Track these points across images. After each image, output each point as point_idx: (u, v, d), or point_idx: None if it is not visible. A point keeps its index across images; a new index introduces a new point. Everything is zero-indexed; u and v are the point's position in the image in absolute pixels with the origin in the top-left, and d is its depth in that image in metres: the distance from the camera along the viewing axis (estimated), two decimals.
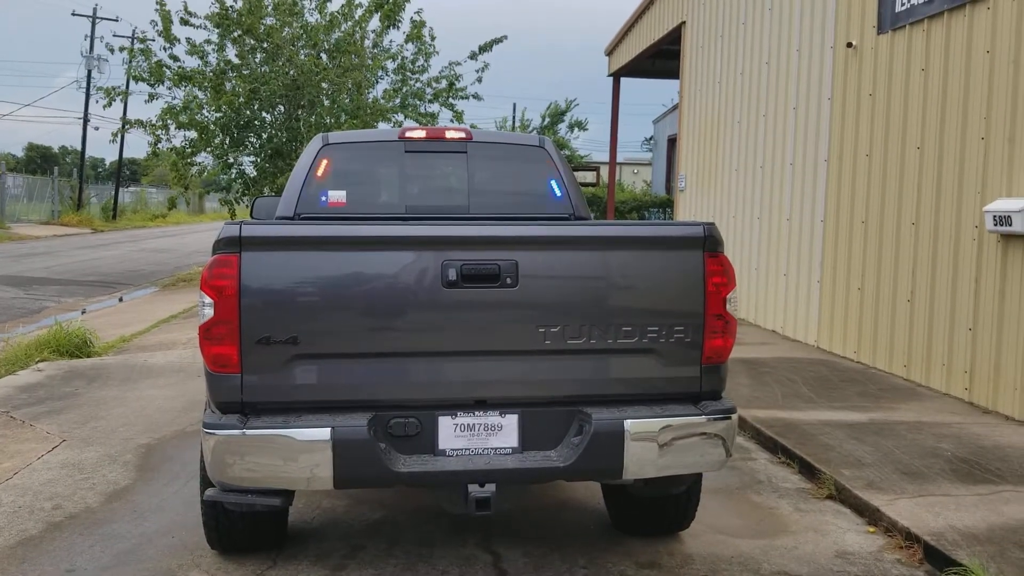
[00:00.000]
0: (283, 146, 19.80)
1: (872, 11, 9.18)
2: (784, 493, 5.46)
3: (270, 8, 18.71)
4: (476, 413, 3.59)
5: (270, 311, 3.43)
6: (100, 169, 72.77)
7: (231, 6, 18.26)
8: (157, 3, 18.38)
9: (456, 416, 3.58)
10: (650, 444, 3.54)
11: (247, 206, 22.23)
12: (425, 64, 20.56)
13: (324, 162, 5.51)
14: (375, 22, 20.17)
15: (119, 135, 22.44)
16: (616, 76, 20.09)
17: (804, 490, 5.51)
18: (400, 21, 20.32)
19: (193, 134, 18.82)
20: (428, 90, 20.57)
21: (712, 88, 14.04)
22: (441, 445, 3.57)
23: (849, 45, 9.58)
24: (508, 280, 3.51)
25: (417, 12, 20.28)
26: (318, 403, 3.51)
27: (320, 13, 19.88)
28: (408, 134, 5.68)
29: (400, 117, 20.15)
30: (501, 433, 3.60)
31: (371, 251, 3.51)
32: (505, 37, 20.54)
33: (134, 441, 6.22)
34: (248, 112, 18.88)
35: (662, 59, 18.76)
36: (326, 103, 19.57)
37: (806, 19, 10.75)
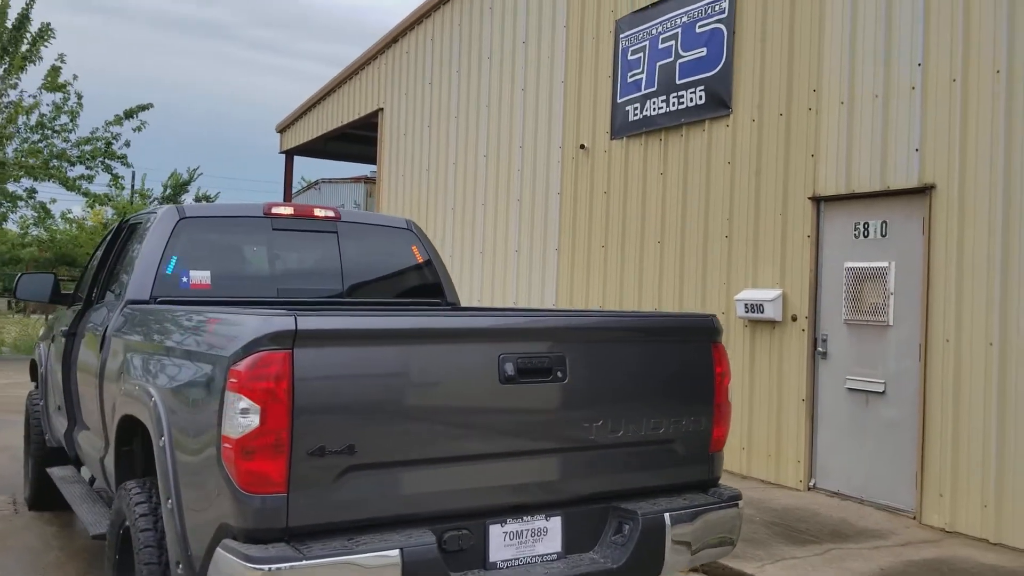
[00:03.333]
0: None
1: (604, 118, 10.15)
2: None
3: None
4: (524, 518, 3.35)
5: (326, 417, 2.92)
6: None
7: None
8: None
9: (505, 523, 3.30)
10: (687, 538, 3.56)
11: None
12: (71, 124, 18.66)
13: (183, 238, 4.81)
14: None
15: None
16: (289, 154, 19.73)
17: None
18: (26, 68, 18.35)
19: None
20: (74, 151, 18.63)
21: (419, 175, 14.39)
22: (492, 557, 3.26)
23: (582, 147, 10.46)
24: (559, 373, 3.37)
25: (59, 57, 18.43)
26: (370, 520, 3.03)
27: None
28: (275, 210, 5.19)
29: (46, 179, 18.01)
30: (546, 538, 3.39)
31: (432, 345, 3.15)
32: (151, 105, 19.56)
33: None
34: None
35: (339, 142, 18.86)
36: None
37: (530, 119, 11.55)
